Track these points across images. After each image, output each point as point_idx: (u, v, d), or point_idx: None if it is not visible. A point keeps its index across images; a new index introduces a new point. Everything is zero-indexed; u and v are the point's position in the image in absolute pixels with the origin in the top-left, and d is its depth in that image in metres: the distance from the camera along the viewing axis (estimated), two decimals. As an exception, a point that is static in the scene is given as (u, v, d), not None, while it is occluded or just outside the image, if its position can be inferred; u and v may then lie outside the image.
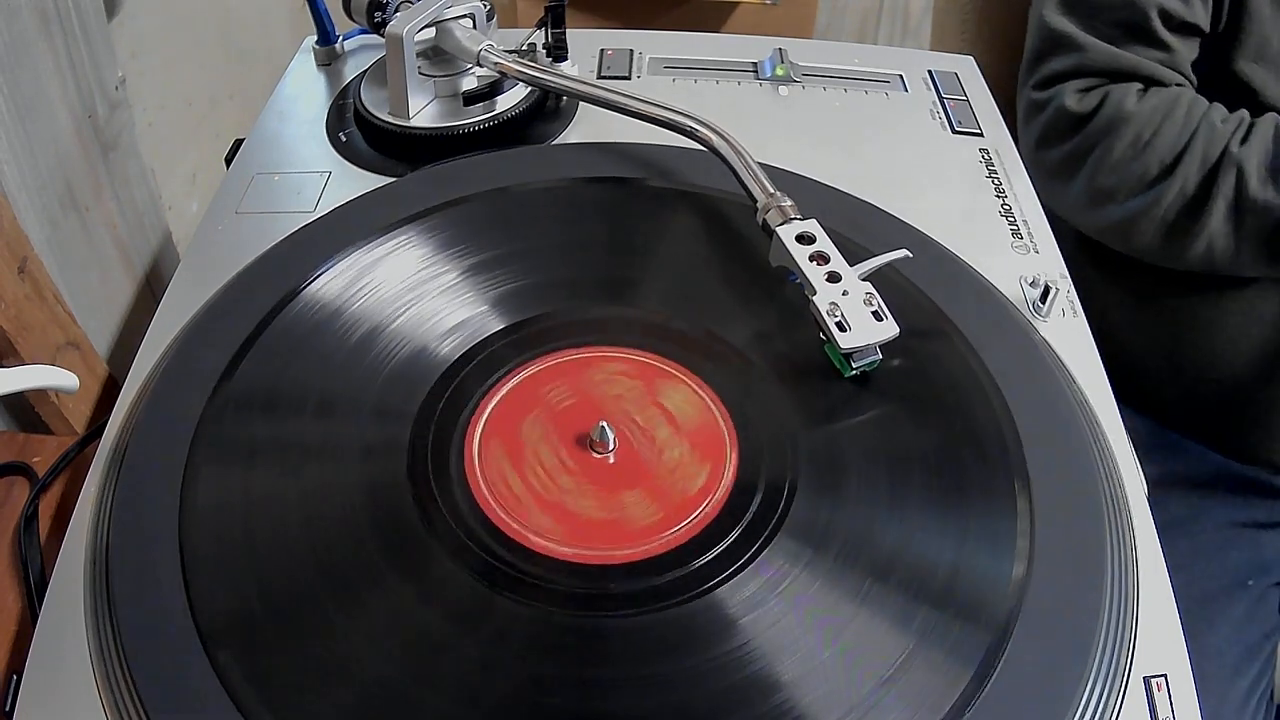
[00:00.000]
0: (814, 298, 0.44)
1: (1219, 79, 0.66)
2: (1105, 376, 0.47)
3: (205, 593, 0.37)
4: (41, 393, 0.54)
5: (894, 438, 0.43)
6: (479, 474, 0.41)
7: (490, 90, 0.58)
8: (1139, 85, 0.65)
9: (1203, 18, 0.65)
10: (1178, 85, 0.66)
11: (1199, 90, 0.66)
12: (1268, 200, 0.61)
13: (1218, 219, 0.62)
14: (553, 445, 0.43)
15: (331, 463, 0.42)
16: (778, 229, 0.47)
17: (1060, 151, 0.68)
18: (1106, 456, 0.43)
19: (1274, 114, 0.63)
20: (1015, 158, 0.59)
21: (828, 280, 0.45)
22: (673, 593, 0.37)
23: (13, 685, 0.36)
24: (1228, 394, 0.73)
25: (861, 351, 0.44)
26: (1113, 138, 0.65)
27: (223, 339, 0.46)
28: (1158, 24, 0.65)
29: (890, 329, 0.43)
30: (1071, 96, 0.66)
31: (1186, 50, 0.66)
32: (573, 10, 1.18)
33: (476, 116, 0.58)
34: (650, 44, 0.68)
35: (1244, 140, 0.62)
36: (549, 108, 0.61)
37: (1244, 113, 0.64)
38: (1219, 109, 0.64)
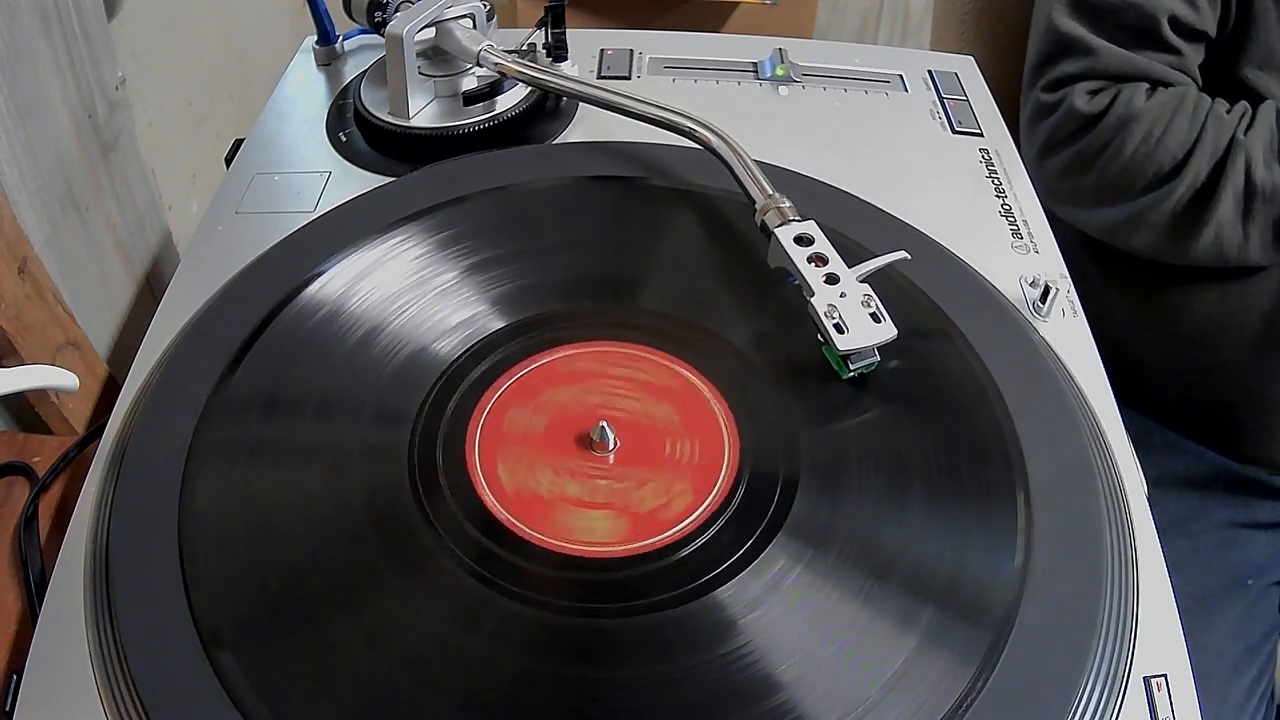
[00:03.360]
0: (812, 299, 0.44)
1: (1225, 83, 0.67)
2: (1105, 376, 0.47)
3: (205, 593, 0.37)
4: (41, 393, 0.54)
5: (894, 437, 0.43)
6: (479, 474, 0.41)
7: (490, 90, 0.58)
8: (1147, 85, 0.66)
9: (1210, 24, 0.66)
10: (1183, 85, 0.66)
11: (1206, 93, 0.67)
12: (1274, 183, 0.61)
13: (1226, 207, 0.63)
14: (553, 445, 0.43)
15: (332, 462, 0.42)
16: (776, 230, 0.47)
17: (1069, 152, 0.68)
18: (1106, 456, 0.43)
19: (1273, 101, 0.64)
20: (1015, 158, 0.59)
21: (826, 282, 0.45)
22: (673, 592, 0.37)
23: (13, 685, 0.36)
24: (1227, 393, 0.73)
25: (859, 353, 0.44)
26: (1124, 136, 0.65)
27: (223, 339, 0.46)
28: (1167, 29, 0.65)
29: (888, 331, 0.43)
30: (1081, 97, 0.67)
31: (1194, 54, 0.67)
32: (573, 10, 1.18)
33: (476, 116, 0.58)
34: (650, 44, 0.68)
35: (1249, 128, 0.63)
36: (549, 108, 0.61)
37: (1244, 104, 0.65)
38: (1222, 103, 0.65)
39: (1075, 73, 0.68)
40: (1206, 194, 0.64)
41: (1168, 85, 0.66)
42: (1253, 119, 0.63)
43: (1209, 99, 0.65)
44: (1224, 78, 0.67)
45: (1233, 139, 0.63)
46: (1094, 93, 0.67)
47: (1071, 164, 0.69)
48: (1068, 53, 0.68)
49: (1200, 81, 0.68)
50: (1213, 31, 0.66)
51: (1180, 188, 0.64)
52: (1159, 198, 0.65)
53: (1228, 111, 0.64)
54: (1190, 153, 0.64)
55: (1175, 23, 0.65)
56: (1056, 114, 0.68)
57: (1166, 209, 0.65)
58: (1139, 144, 0.65)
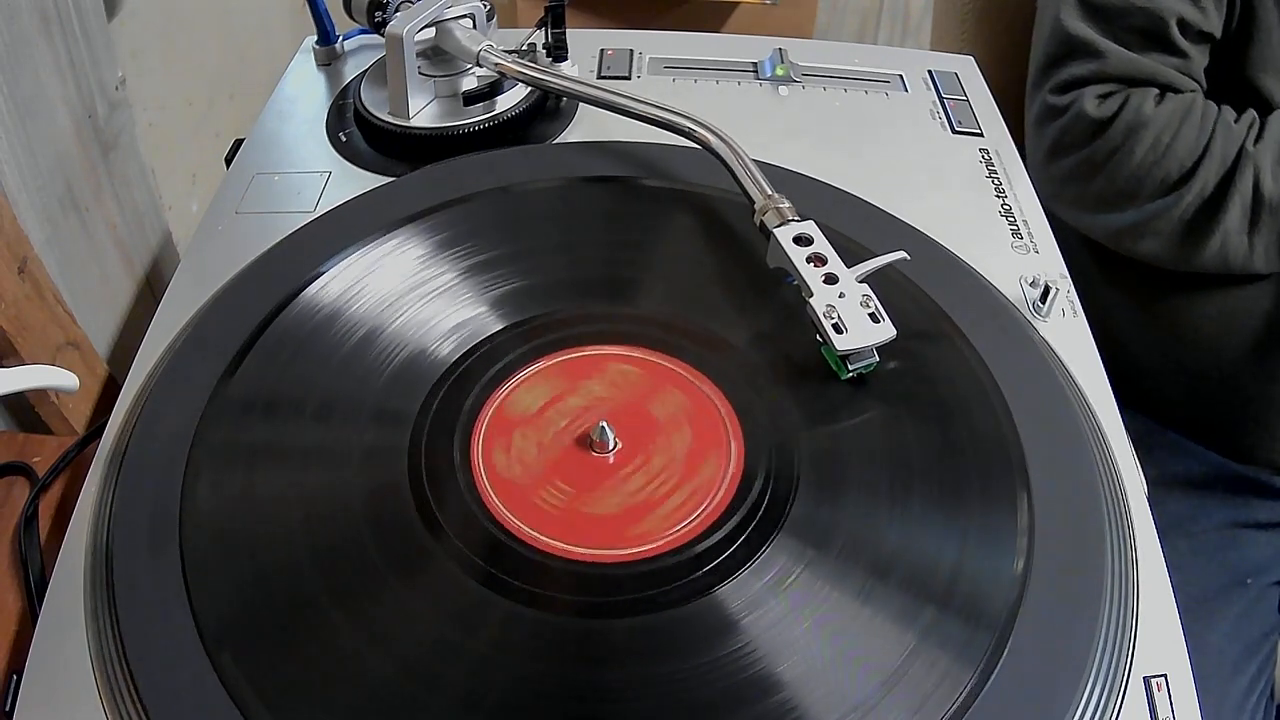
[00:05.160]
0: (811, 299, 0.44)
1: (1231, 85, 0.67)
2: (1105, 376, 0.47)
3: (205, 593, 0.37)
4: (41, 393, 0.54)
5: (895, 437, 0.43)
6: (480, 474, 0.41)
7: (490, 90, 0.58)
8: (1156, 91, 0.66)
9: (1216, 25, 0.66)
10: (1191, 91, 0.66)
11: (1210, 95, 0.66)
12: None
13: (1233, 217, 0.63)
14: (553, 445, 0.43)
15: (332, 463, 0.42)
16: (775, 230, 0.47)
17: (1077, 156, 0.68)
18: (1106, 456, 0.43)
19: None
20: (1015, 158, 0.59)
21: (825, 282, 0.45)
22: (674, 593, 0.37)
23: (13, 685, 0.36)
24: (1228, 394, 0.73)
25: (858, 354, 0.44)
26: (1133, 142, 0.65)
27: (223, 339, 0.46)
28: (1176, 32, 0.65)
29: (887, 331, 0.43)
30: (1091, 101, 0.66)
31: (1200, 58, 0.67)
32: (573, 10, 1.18)
33: (476, 116, 0.58)
34: (650, 44, 0.68)
35: (1258, 139, 0.63)
36: (549, 108, 0.61)
37: (1252, 113, 0.64)
38: (1229, 111, 0.65)
39: (1084, 75, 0.68)
40: (1214, 204, 0.64)
41: (1175, 90, 0.66)
42: (1261, 130, 0.63)
43: (1215, 107, 0.65)
44: (1229, 81, 0.67)
45: (1241, 149, 0.63)
46: (1104, 97, 0.67)
47: (1079, 168, 0.68)
48: (1076, 55, 0.68)
49: (1205, 85, 0.68)
50: (1218, 33, 0.66)
51: (1188, 196, 0.64)
52: (1166, 206, 0.65)
53: (1235, 120, 0.64)
54: (1199, 162, 0.63)
55: (1183, 25, 0.65)
56: (1065, 117, 0.68)
57: (1174, 217, 0.65)
58: (1147, 151, 0.64)
